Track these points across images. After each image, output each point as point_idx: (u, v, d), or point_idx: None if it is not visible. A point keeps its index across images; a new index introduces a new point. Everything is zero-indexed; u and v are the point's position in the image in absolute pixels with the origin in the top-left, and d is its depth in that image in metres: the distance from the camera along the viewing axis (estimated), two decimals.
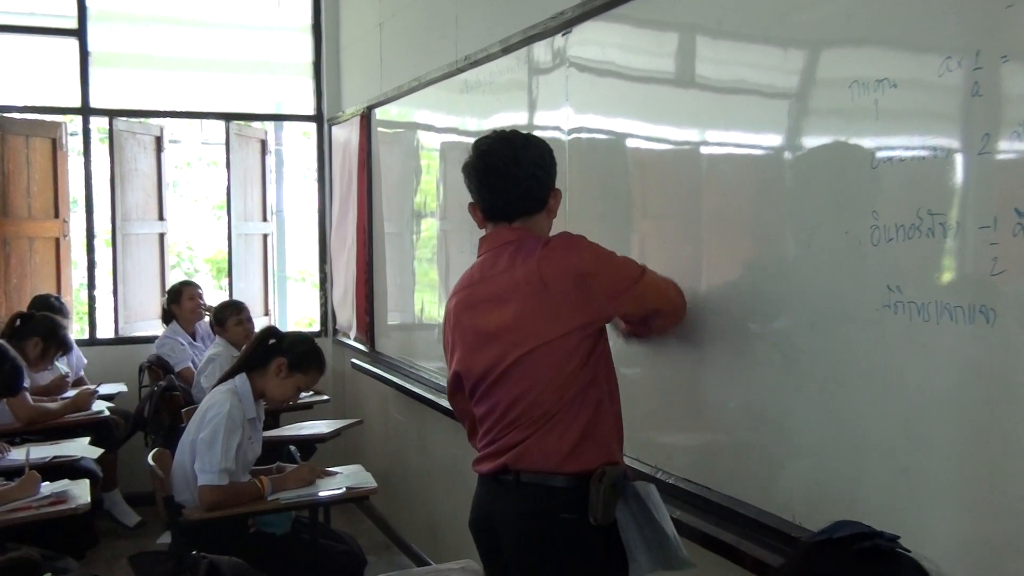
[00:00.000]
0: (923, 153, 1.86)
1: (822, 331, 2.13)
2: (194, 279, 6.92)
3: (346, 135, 6.13)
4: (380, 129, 5.57)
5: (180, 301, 5.86)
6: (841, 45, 2.09)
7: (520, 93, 3.63)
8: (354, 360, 5.91)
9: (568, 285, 2.30)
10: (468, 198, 4.17)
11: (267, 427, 4.48)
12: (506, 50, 3.69)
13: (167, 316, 5.95)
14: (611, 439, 2.37)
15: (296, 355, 3.74)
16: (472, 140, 4.12)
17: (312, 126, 6.98)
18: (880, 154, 1.95)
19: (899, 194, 1.91)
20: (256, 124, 7.10)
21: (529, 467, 2.33)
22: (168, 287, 6.12)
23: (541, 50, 3.44)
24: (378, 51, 5.59)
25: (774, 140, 2.29)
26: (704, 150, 2.55)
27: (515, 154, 2.46)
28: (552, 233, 2.49)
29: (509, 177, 2.44)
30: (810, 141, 2.18)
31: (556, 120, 3.29)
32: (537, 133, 3.50)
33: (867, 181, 1.98)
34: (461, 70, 4.15)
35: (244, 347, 4.10)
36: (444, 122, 4.59)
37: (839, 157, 2.08)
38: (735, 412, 2.42)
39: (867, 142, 1.99)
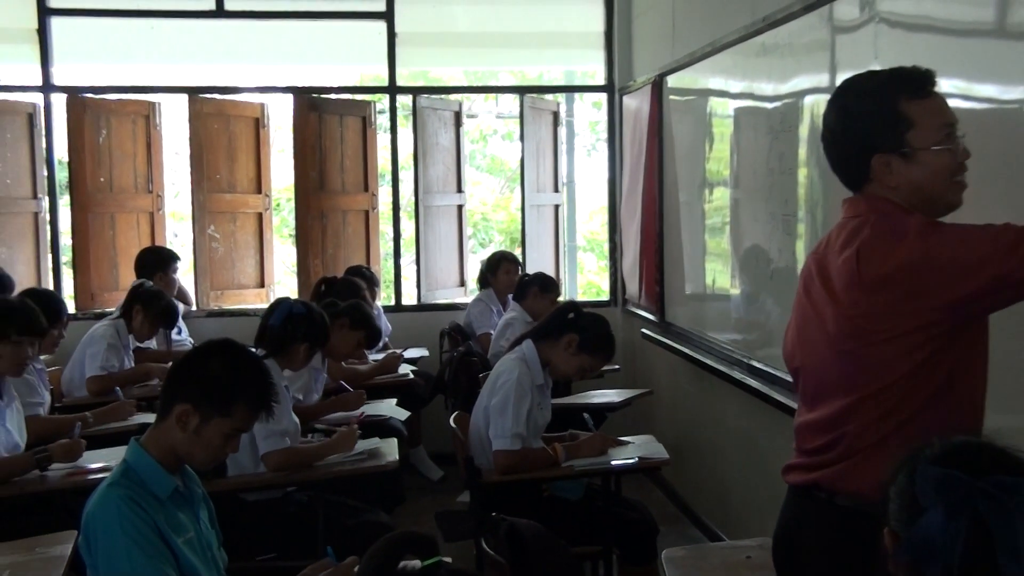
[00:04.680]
0: None
1: None
2: (487, 248, 7.16)
3: (637, 104, 6.10)
4: (671, 97, 5.50)
5: (497, 273, 6.08)
6: None
7: (822, 54, 3.45)
8: (644, 330, 5.91)
9: (888, 285, 1.87)
10: (761, 165, 4.06)
11: (558, 395, 4.57)
12: (807, 8, 3.51)
13: (483, 281, 6.22)
14: None
15: (589, 335, 3.77)
16: (768, 105, 4.01)
17: (603, 96, 7.00)
18: None
19: None
20: (548, 96, 7.22)
21: (845, 489, 1.96)
22: (489, 256, 6.34)
23: (846, 6, 3.24)
24: (671, 17, 5.51)
25: None
26: None
27: (827, 110, 2.05)
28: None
29: (822, 139, 2.06)
30: None
31: None
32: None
33: None
34: (758, 32, 4.00)
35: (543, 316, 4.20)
36: (738, 88, 4.45)
37: None
38: None
39: None
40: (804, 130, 3.64)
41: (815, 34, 3.49)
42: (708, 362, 4.65)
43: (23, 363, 3.71)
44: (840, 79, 3.29)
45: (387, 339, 6.15)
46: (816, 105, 3.56)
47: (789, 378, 3.68)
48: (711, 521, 5.01)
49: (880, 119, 1.93)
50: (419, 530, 1.66)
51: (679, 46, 5.29)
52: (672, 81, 5.46)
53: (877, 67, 2.98)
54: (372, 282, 6.07)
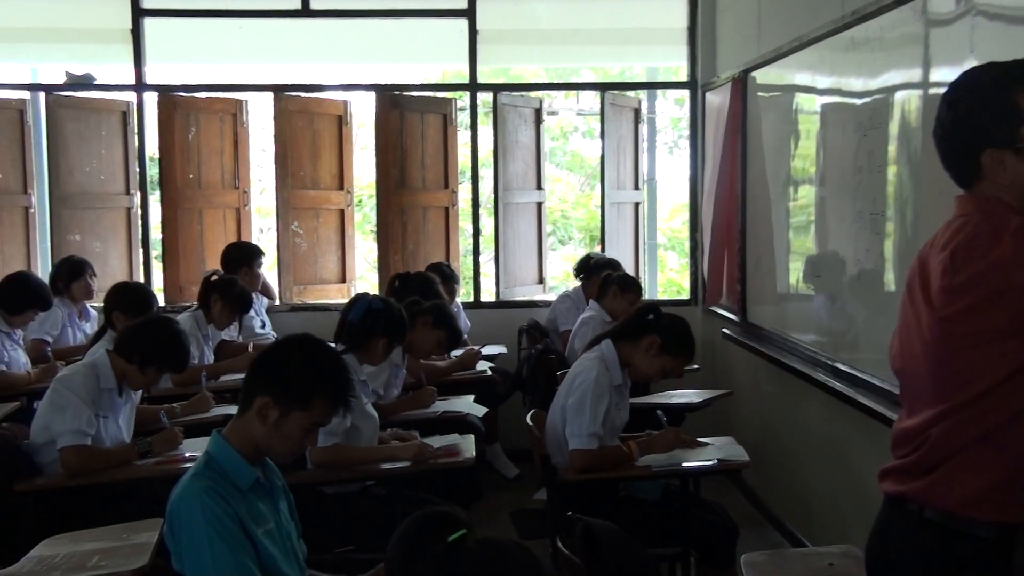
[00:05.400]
0: None
1: None
2: (567, 248, 7.11)
3: (720, 100, 6.01)
4: (756, 93, 5.41)
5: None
6: None
7: (914, 48, 3.35)
8: (724, 330, 5.83)
9: (977, 286, 1.79)
10: (849, 162, 3.96)
11: (636, 394, 4.53)
12: (899, 1, 3.41)
13: (583, 273, 6.16)
14: None
15: (671, 337, 3.72)
16: (857, 101, 3.91)
17: (685, 93, 6.93)
18: None
19: None
20: (630, 93, 7.16)
21: (935, 502, 1.88)
22: (608, 260, 6.17)
23: None
24: (756, 12, 5.42)
25: None
26: None
27: (940, 103, 1.94)
28: None
29: (933, 134, 1.98)
30: None
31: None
32: (931, 92, 3.25)
33: None
34: (847, 26, 3.91)
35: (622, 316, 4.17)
36: (825, 83, 4.35)
37: None
38: None
39: None
40: (894, 127, 3.54)
41: (907, 28, 3.39)
42: (791, 364, 4.56)
43: (149, 387, 3.90)
44: (934, 75, 3.21)
45: (466, 336, 6.14)
46: (908, 101, 3.46)
47: (875, 380, 3.62)
48: (792, 525, 4.92)
49: (992, 112, 1.84)
50: (441, 507, 1.69)
51: (764, 41, 5.20)
52: (756, 77, 5.37)
53: (974, 63, 2.90)
54: (452, 279, 6.08)
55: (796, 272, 4.79)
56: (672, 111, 11.72)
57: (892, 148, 3.56)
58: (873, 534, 2.06)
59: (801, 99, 4.72)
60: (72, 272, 5.71)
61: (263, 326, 6.11)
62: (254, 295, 6.00)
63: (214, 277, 5.29)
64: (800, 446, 4.79)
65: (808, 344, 4.51)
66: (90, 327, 5.72)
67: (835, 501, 4.34)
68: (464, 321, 6.20)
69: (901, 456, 1.97)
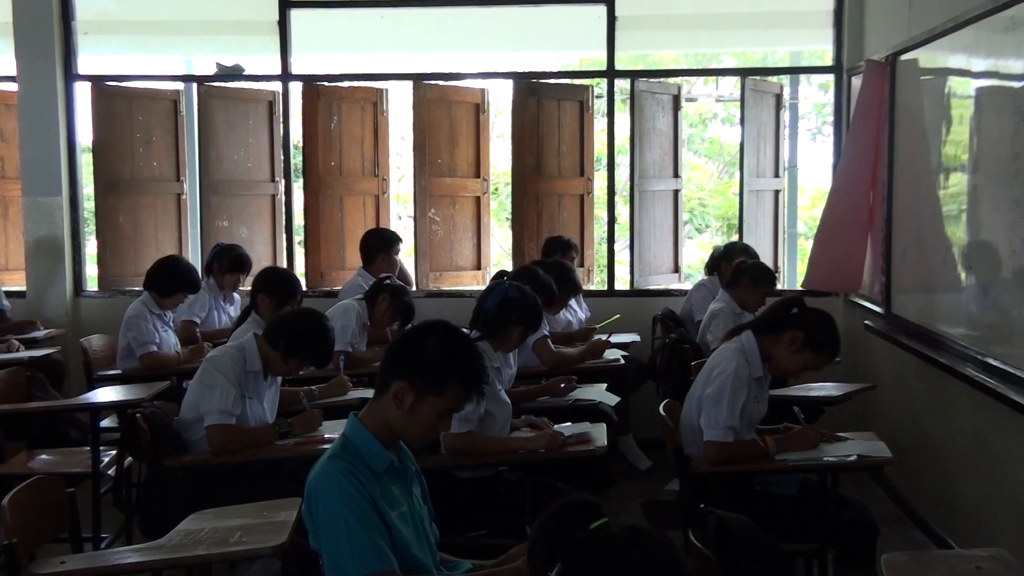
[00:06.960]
0: None
1: None
2: (704, 236, 6.99)
3: (866, 84, 5.80)
4: (904, 77, 5.20)
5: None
6: None
7: None
8: (867, 322, 5.63)
9: None
10: (1006, 149, 3.76)
11: (774, 386, 4.41)
12: None
13: (713, 268, 6.07)
14: None
15: (815, 333, 3.61)
16: (1016, 84, 3.70)
17: (830, 77, 6.72)
18: None
19: None
20: (772, 78, 6.99)
21: None
22: (727, 246, 6.17)
23: None
24: None
25: None
26: None
27: None
28: None
29: None
30: None
31: None
32: None
33: None
34: (1007, 5, 3.70)
35: (764, 308, 4.07)
36: (981, 66, 4.15)
37: None
38: None
39: None
40: None
41: None
42: (939, 359, 4.38)
43: (289, 375, 4.03)
44: None
45: (585, 323, 5.99)
46: None
47: None
48: (937, 525, 4.72)
49: None
50: (582, 495, 1.77)
51: (915, 23, 4.99)
52: (905, 60, 5.15)
53: None
54: (571, 248, 6.10)
55: (945, 263, 4.59)
56: (816, 96, 11.38)
57: None
58: None
59: (954, 83, 4.51)
60: (232, 265, 5.83)
61: None
62: None
63: (388, 281, 5.36)
64: (946, 443, 4.60)
65: (957, 338, 4.32)
66: (234, 310, 5.91)
67: (983, 502, 4.16)
68: (585, 311, 6.09)
69: None
